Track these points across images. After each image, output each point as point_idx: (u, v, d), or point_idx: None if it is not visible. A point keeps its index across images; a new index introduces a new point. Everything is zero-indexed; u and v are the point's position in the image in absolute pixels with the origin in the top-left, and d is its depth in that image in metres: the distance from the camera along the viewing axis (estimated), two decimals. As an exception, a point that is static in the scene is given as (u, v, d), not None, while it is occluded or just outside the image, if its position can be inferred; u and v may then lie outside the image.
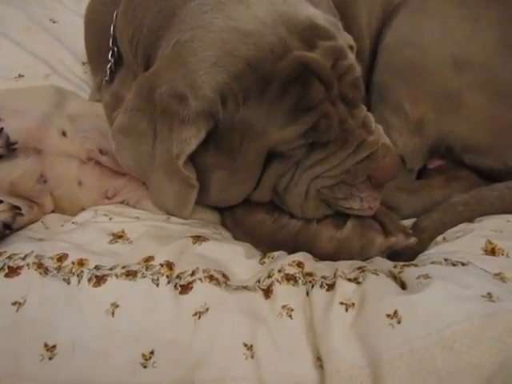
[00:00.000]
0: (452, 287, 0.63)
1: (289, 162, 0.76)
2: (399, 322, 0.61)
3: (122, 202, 0.86)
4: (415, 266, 0.71)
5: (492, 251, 0.78)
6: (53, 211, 0.85)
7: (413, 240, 0.81)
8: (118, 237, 0.75)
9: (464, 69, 0.89)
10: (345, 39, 0.79)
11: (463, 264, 0.72)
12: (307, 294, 0.69)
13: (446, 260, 0.73)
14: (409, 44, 0.91)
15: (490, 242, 0.79)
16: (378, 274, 0.70)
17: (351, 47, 0.83)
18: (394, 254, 0.81)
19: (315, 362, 0.62)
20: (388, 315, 0.62)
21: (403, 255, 0.81)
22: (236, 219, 0.83)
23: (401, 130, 0.93)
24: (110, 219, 0.79)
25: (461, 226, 0.86)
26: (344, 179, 0.77)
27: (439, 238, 0.85)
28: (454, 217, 0.87)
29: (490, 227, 0.83)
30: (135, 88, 0.76)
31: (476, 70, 0.89)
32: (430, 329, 0.59)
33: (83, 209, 0.84)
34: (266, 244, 0.81)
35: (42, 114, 0.84)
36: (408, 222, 0.91)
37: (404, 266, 0.72)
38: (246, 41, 0.70)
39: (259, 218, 0.82)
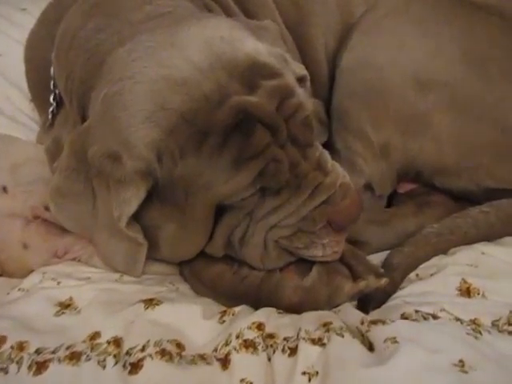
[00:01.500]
0: (421, 355, 0.59)
1: (241, 213, 0.71)
2: (365, 401, 0.56)
3: (73, 259, 0.80)
4: (383, 323, 0.66)
5: (467, 291, 0.74)
6: (0, 275, 0.80)
7: (384, 281, 0.77)
8: (66, 306, 0.70)
9: (428, 88, 0.83)
10: (293, 72, 0.73)
11: (434, 317, 0.67)
12: (269, 359, 0.64)
13: (416, 312, 0.68)
14: (366, 65, 0.85)
15: (465, 281, 0.75)
16: (343, 336, 0.65)
17: (303, 78, 0.77)
18: (364, 298, 0.77)
19: None
20: (350, 393, 0.57)
21: (375, 298, 0.76)
22: (194, 272, 0.78)
23: (365, 156, 0.87)
24: (59, 283, 0.74)
25: (434, 260, 0.81)
26: (302, 227, 0.71)
27: (412, 275, 0.81)
28: (427, 250, 0.82)
29: (465, 261, 0.79)
30: (68, 146, 0.70)
31: (440, 89, 0.83)
32: (395, 410, 0.55)
33: (32, 270, 0.78)
34: (226, 297, 0.76)
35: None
36: (380, 256, 0.86)
37: (372, 322, 0.67)
38: (179, 91, 0.64)
39: (218, 269, 0.76)
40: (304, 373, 0.61)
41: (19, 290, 0.74)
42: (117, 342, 0.63)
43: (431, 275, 0.78)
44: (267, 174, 0.66)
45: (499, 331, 0.66)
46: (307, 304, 0.74)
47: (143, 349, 0.63)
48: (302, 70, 0.79)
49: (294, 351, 0.64)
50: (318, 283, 0.75)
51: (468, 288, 0.74)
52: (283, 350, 0.65)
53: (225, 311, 0.72)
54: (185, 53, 0.66)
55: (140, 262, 0.74)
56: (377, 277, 0.77)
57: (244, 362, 0.63)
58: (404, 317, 0.69)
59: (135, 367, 0.61)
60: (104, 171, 0.68)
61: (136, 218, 0.72)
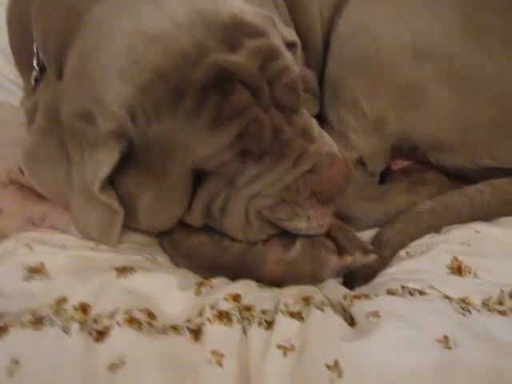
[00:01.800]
0: (403, 330, 0.56)
1: (221, 181, 0.67)
2: (340, 376, 0.53)
3: (51, 227, 0.77)
4: (367, 297, 0.63)
5: (458, 269, 0.70)
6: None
7: (372, 258, 0.73)
8: (35, 271, 0.66)
9: (425, 59, 0.79)
10: (281, 35, 0.69)
11: (421, 293, 0.63)
12: (244, 332, 0.61)
13: (403, 288, 0.65)
14: (362, 33, 0.81)
15: (456, 259, 0.71)
16: (323, 310, 0.62)
17: (293, 44, 0.74)
18: (350, 274, 0.73)
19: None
20: (328, 366, 0.54)
21: (361, 274, 0.73)
22: (174, 242, 0.75)
23: (358, 129, 0.83)
24: (31, 249, 0.70)
25: (426, 238, 0.78)
26: (285, 197, 0.68)
27: (402, 253, 0.77)
28: (420, 227, 0.78)
29: (458, 239, 0.75)
30: (42, 106, 0.67)
31: (438, 59, 0.79)
32: (373, 386, 0.51)
33: (6, 236, 0.75)
34: (206, 269, 0.72)
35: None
36: (370, 233, 0.82)
37: (355, 297, 0.64)
38: (155, 46, 0.60)
39: (198, 240, 0.73)
40: (279, 346, 0.58)
41: (-9, 255, 0.72)
42: (84, 308, 0.60)
43: (422, 253, 0.74)
44: (247, 137, 0.63)
45: (489, 310, 0.63)
46: (290, 278, 0.71)
47: (111, 316, 0.60)
48: (291, 35, 0.75)
49: (270, 324, 0.61)
50: (301, 257, 0.71)
51: (459, 266, 0.70)
52: (260, 323, 0.62)
53: (202, 282, 0.69)
54: (164, 9, 0.62)
55: (115, 230, 0.71)
56: (364, 253, 0.74)
57: (217, 334, 0.60)
58: (390, 292, 0.65)
59: (101, 335, 0.58)
60: (77, 132, 0.64)
61: (113, 184, 0.68)
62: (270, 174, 0.67)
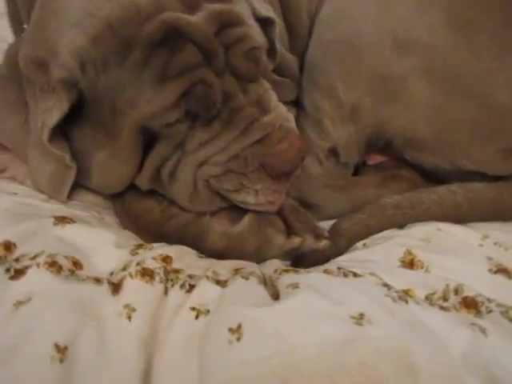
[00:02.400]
0: (318, 302, 0.52)
1: (171, 144, 0.66)
2: (239, 339, 0.50)
3: (11, 178, 0.77)
4: (295, 272, 0.60)
5: (410, 263, 0.66)
6: None
7: (323, 244, 0.70)
8: (-24, 211, 0.67)
9: (406, 50, 0.76)
10: (253, 8, 0.69)
11: (357, 275, 0.60)
12: (165, 292, 0.59)
13: (339, 269, 0.61)
14: (343, 18, 0.79)
15: (410, 253, 0.67)
16: (248, 279, 0.59)
17: (268, 20, 0.73)
18: (299, 258, 0.70)
19: (142, 376, 0.51)
20: (230, 329, 0.51)
21: (310, 259, 0.69)
22: (124, 205, 0.74)
23: (333, 116, 0.80)
24: (-19, 193, 0.71)
25: (387, 232, 0.73)
26: (232, 167, 0.66)
27: (359, 244, 0.73)
28: (381, 220, 0.74)
29: (418, 235, 0.71)
30: (4, 54, 0.68)
31: (420, 51, 0.75)
32: (270, 351, 0.48)
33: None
34: (151, 235, 0.71)
35: None
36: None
37: (284, 271, 0.61)
38: (111, 0, 0.60)
39: (147, 205, 0.72)
40: (193, 308, 0.56)
41: None
42: (8, 246, 0.60)
43: (377, 244, 0.70)
44: (193, 97, 0.61)
45: (431, 304, 0.58)
46: (232, 252, 0.68)
47: (34, 257, 0.59)
48: (267, 11, 0.74)
49: (192, 288, 0.59)
50: (246, 232, 0.69)
51: (412, 260, 0.66)
52: (182, 286, 0.60)
53: (141, 245, 0.68)
54: None
55: (66, 185, 0.70)
56: (316, 238, 0.71)
57: (135, 289, 0.58)
58: (325, 272, 0.62)
59: (18, 273, 0.57)
60: (32, 79, 0.65)
61: (68, 140, 0.69)
62: (217, 141, 0.65)
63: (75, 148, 0.69)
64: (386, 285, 0.60)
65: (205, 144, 0.66)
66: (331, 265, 0.67)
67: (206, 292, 0.57)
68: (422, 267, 0.65)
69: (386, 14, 0.76)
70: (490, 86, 0.76)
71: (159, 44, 0.60)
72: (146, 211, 0.72)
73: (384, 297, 0.55)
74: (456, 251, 0.66)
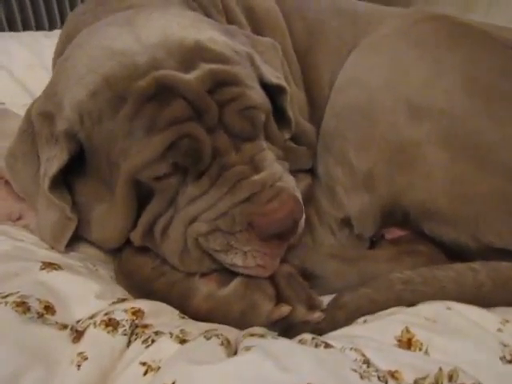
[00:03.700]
0: (263, 367, 0.46)
1: (165, 200, 0.66)
2: (167, 397, 0.45)
3: (24, 227, 0.81)
4: (261, 337, 0.54)
5: (408, 343, 0.58)
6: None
7: (317, 316, 0.64)
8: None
9: (421, 116, 0.72)
10: (261, 74, 0.71)
11: (328, 346, 0.53)
12: (128, 346, 0.56)
13: (313, 339, 0.55)
14: (356, 84, 0.77)
15: (408, 331, 0.58)
16: (209, 339, 0.54)
17: (279, 88, 0.75)
18: (288, 330, 0.64)
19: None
20: (164, 386, 0.46)
21: (300, 332, 0.63)
22: (121, 260, 0.73)
23: (346, 184, 0.76)
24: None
25: (392, 310, 0.65)
26: (220, 225, 0.63)
27: (360, 320, 0.65)
28: (388, 296, 0.66)
29: (425, 314, 0.62)
30: (26, 111, 0.74)
31: (436, 118, 0.71)
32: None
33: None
34: (140, 292, 0.69)
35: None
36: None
37: (251, 335, 0.55)
38: (113, 58, 0.64)
39: (140, 262, 0.71)
40: (144, 363, 0.52)
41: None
42: (-15, 283, 0.61)
43: (374, 321, 0.62)
44: (180, 149, 0.62)
45: (416, 390, 0.49)
46: (216, 315, 0.64)
47: (5, 296, 0.59)
48: (278, 79, 0.75)
49: (154, 343, 0.55)
50: (232, 295, 0.65)
51: (409, 339, 0.57)
52: (145, 340, 0.56)
53: (125, 299, 0.66)
54: (135, 31, 0.67)
55: (65, 236, 0.72)
56: (310, 309, 0.65)
57: (94, 338, 0.56)
58: (300, 342, 0.55)
59: (-17, 309, 0.57)
60: (39, 131, 0.70)
61: (72, 193, 0.72)
62: (206, 198, 0.64)
63: (78, 201, 0.72)
64: (366, 362, 0.52)
65: (195, 200, 0.65)
66: (306, 336, 0.60)
67: (163, 348, 0.54)
68: (420, 348, 0.56)
69: (400, 79, 0.74)
70: (512, 154, 0.69)
71: (150, 98, 0.62)
72: (138, 267, 0.71)
73: (349, 371, 0.48)
74: (463, 334, 0.57)
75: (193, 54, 0.65)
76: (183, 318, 0.64)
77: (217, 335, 0.55)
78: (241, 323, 0.63)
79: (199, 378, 0.45)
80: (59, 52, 0.81)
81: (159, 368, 0.51)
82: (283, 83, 0.76)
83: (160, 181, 0.65)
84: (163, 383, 0.46)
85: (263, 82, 0.73)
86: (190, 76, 0.63)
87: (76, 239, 0.75)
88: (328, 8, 0.95)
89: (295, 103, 0.84)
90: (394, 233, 0.78)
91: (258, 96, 0.67)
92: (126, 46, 0.65)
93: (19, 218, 0.80)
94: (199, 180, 0.64)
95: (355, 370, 0.48)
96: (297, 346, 0.52)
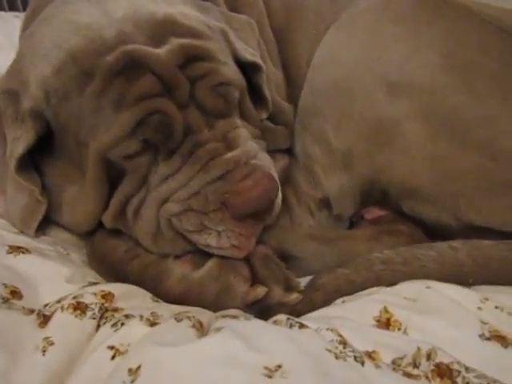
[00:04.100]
0: (232, 348, 0.45)
1: (136, 179, 0.64)
2: (133, 381, 0.43)
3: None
4: (233, 318, 0.52)
5: (386, 323, 0.56)
6: None
7: (294, 297, 0.62)
8: None
9: (400, 93, 0.70)
10: (234, 50, 0.69)
11: (303, 327, 0.51)
12: (96, 330, 0.53)
13: (288, 319, 0.53)
14: (333, 62, 0.74)
15: (387, 311, 0.57)
16: (180, 321, 0.52)
17: (255, 66, 0.72)
18: (264, 312, 0.62)
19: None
20: (130, 370, 0.44)
21: (276, 312, 0.61)
22: (93, 243, 0.71)
23: (324, 163, 0.74)
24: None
25: (372, 290, 0.64)
26: (192, 205, 0.61)
27: (338, 301, 0.64)
28: (367, 276, 0.65)
29: (405, 294, 0.61)
30: None
31: (415, 94, 0.69)
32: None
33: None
34: (112, 275, 0.67)
35: None
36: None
37: (222, 317, 0.53)
38: (79, 33, 0.61)
39: (112, 244, 0.69)
40: (112, 347, 0.50)
41: None
42: None
43: (352, 301, 0.61)
44: (149, 125, 0.59)
45: (394, 369, 0.48)
46: (190, 298, 0.63)
47: (-31, 282, 0.57)
48: (253, 57, 0.73)
49: (123, 326, 0.53)
50: (207, 277, 0.63)
51: (388, 319, 0.56)
52: (114, 324, 0.54)
53: (96, 283, 0.64)
54: (103, 4, 0.64)
55: (35, 220, 0.69)
56: (287, 290, 0.63)
57: (61, 322, 0.53)
58: (274, 323, 0.53)
59: None
60: (4, 110, 0.67)
61: (42, 175, 0.69)
62: (178, 177, 0.62)
63: (47, 183, 0.69)
64: (343, 343, 0.50)
65: (166, 179, 0.63)
66: (281, 316, 0.59)
67: (132, 332, 0.51)
68: (399, 328, 0.55)
69: (378, 55, 0.72)
70: (497, 132, 0.67)
71: (118, 74, 0.59)
72: (110, 250, 0.68)
73: (323, 351, 0.46)
74: (442, 312, 0.55)
75: (163, 29, 0.62)
76: (156, 301, 0.62)
77: (188, 317, 0.53)
78: (215, 305, 0.61)
79: (165, 360, 0.43)
80: (25, 28, 0.77)
81: (127, 352, 0.49)
82: (259, 61, 0.74)
83: (131, 159, 0.62)
84: (129, 367, 0.44)
85: (238, 58, 0.71)
86: (160, 51, 0.60)
87: (47, 223, 0.73)
88: None
89: (272, 82, 0.81)
90: (374, 213, 0.76)
91: (231, 72, 0.65)
92: (93, 19, 0.63)
93: (-12, 204, 0.77)
94: (171, 158, 0.62)
95: (330, 351, 0.47)
96: (269, 327, 0.50)
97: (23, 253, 0.64)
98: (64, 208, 0.69)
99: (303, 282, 0.68)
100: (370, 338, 0.52)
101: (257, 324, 0.50)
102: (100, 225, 0.69)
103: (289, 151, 0.82)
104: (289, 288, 0.63)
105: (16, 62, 0.68)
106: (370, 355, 0.50)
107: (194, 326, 0.51)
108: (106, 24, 0.62)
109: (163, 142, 0.61)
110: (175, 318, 0.52)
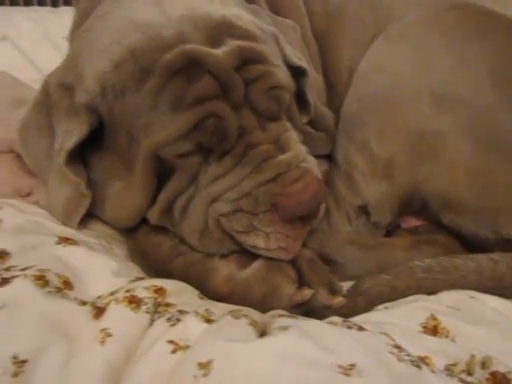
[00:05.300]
0: (303, 346, 0.45)
1: (186, 177, 0.64)
2: (206, 375, 0.43)
3: (34, 203, 0.78)
4: (292, 317, 0.53)
5: (433, 330, 0.57)
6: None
7: (338, 300, 0.63)
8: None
9: (445, 106, 0.71)
10: (284, 55, 0.70)
11: (362, 329, 0.52)
12: (150, 324, 0.54)
13: (344, 322, 0.54)
14: (380, 70, 0.76)
15: (434, 318, 0.58)
16: (238, 318, 0.53)
17: (299, 70, 0.73)
18: (309, 314, 0.63)
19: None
20: (200, 364, 0.45)
21: (321, 317, 0.62)
22: (136, 238, 0.71)
23: (365, 172, 0.76)
24: (1, 209, 0.71)
25: (413, 297, 0.65)
26: (242, 206, 0.62)
27: (380, 307, 0.65)
28: (409, 283, 0.66)
29: (447, 302, 0.62)
30: (42, 83, 0.72)
31: (460, 108, 0.71)
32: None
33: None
34: (156, 271, 0.67)
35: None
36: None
37: (280, 315, 0.54)
38: (138, 30, 0.62)
39: (157, 241, 0.69)
40: (171, 342, 0.50)
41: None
42: (2, 255, 0.59)
43: (397, 308, 0.62)
44: (205, 130, 0.60)
45: (448, 375, 0.49)
46: (237, 298, 0.63)
47: (24, 269, 0.57)
48: (300, 61, 0.74)
49: (178, 321, 0.54)
50: (254, 277, 0.64)
51: (435, 326, 0.57)
52: (169, 319, 0.55)
53: (143, 278, 0.64)
54: (160, 2, 0.65)
55: (79, 213, 0.70)
56: (331, 293, 0.64)
57: (117, 315, 0.54)
58: (330, 323, 0.54)
59: (4, 281, 0.55)
60: (58, 103, 0.67)
61: (88, 168, 0.70)
62: (229, 177, 0.63)
63: (93, 178, 0.70)
64: (397, 347, 0.51)
65: (217, 179, 0.63)
66: (336, 319, 0.60)
67: (190, 327, 0.52)
68: (446, 335, 0.56)
69: (425, 67, 0.73)
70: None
71: (177, 73, 0.60)
72: (154, 246, 0.69)
73: (387, 353, 0.47)
74: (488, 322, 0.57)
75: (220, 30, 0.63)
76: (202, 298, 0.63)
77: (244, 315, 0.54)
78: (261, 306, 0.62)
79: (238, 356, 0.43)
80: (78, 24, 0.77)
81: (187, 347, 0.49)
82: (305, 65, 0.75)
83: (182, 158, 0.63)
84: (198, 362, 0.44)
85: (286, 62, 0.72)
86: (218, 51, 0.61)
87: (87, 216, 0.73)
88: None
89: (314, 87, 0.82)
90: (410, 222, 0.78)
91: (283, 75, 0.66)
92: (152, 17, 0.64)
93: (28, 194, 0.77)
94: (223, 159, 0.63)
95: (392, 353, 0.47)
96: (332, 327, 0.51)
97: (72, 244, 0.64)
98: (108, 202, 0.70)
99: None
100: (421, 343, 0.53)
101: (320, 324, 0.51)
102: (141, 220, 0.70)
103: (328, 157, 0.83)
104: (333, 291, 0.64)
105: (71, 57, 0.68)
106: (424, 360, 0.51)
107: (251, 323, 0.52)
108: (165, 23, 0.63)
109: (217, 144, 0.62)
110: (232, 315, 0.53)
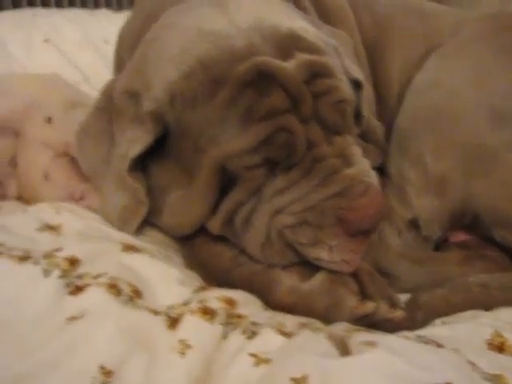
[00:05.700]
0: (396, 363, 0.46)
1: (249, 189, 0.64)
2: (301, 391, 0.44)
3: (87, 207, 0.77)
4: (369, 331, 0.54)
5: (499, 347, 0.57)
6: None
7: (398, 314, 0.63)
8: (51, 228, 0.67)
9: (503, 122, 0.72)
10: (344, 68, 0.69)
11: (440, 346, 0.53)
12: (224, 336, 0.54)
13: (419, 337, 0.54)
14: (437, 85, 0.77)
15: (499, 335, 0.58)
16: (316, 332, 0.53)
17: (356, 82, 0.73)
18: (372, 327, 0.63)
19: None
20: (293, 379, 0.45)
21: (383, 330, 0.62)
22: (193, 247, 0.71)
23: (417, 186, 0.76)
24: (58, 213, 0.71)
25: (470, 313, 0.65)
26: (308, 218, 0.62)
27: (438, 321, 0.65)
28: (465, 298, 0.67)
29: (506, 318, 0.62)
30: (103, 88, 0.71)
31: None
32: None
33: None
34: (216, 280, 0.67)
35: (30, 98, 0.81)
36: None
37: (356, 330, 0.55)
38: (208, 40, 0.62)
39: (217, 249, 0.69)
40: (253, 355, 0.50)
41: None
42: (73, 261, 0.59)
43: (457, 323, 0.63)
44: (275, 144, 0.60)
45: (526, 396, 0.50)
46: (300, 309, 0.63)
47: (96, 277, 0.57)
48: (357, 74, 0.74)
49: (255, 335, 0.54)
50: (317, 290, 0.64)
51: (502, 343, 0.57)
52: (244, 331, 0.55)
53: (205, 287, 0.64)
54: (227, 12, 0.65)
55: (136, 220, 0.70)
56: (391, 307, 0.64)
57: (193, 326, 0.54)
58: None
59: (78, 289, 0.55)
60: (122, 110, 0.67)
61: (147, 175, 0.69)
62: (295, 190, 0.63)
63: (151, 185, 0.70)
64: (471, 363, 0.52)
65: (282, 192, 0.63)
66: (408, 333, 0.60)
67: (269, 340, 0.52)
68: (512, 353, 0.57)
69: (484, 83, 0.74)
70: None
71: (248, 85, 0.60)
72: (215, 256, 0.69)
73: (471, 371, 0.48)
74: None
75: (288, 42, 0.63)
76: (266, 309, 0.63)
77: (319, 328, 0.54)
78: (324, 318, 0.62)
79: (334, 373, 0.44)
80: (138, 30, 0.77)
81: (269, 360, 0.50)
82: (362, 78, 0.75)
83: (248, 170, 0.63)
84: (291, 377, 0.45)
85: (345, 73, 0.72)
86: (288, 64, 0.61)
87: (142, 223, 0.72)
88: (396, 3, 0.94)
89: (366, 99, 0.83)
90: (459, 236, 0.79)
91: (347, 89, 0.67)
92: (220, 28, 0.64)
93: (81, 198, 0.77)
94: (289, 172, 0.63)
95: (474, 371, 0.48)
96: (418, 345, 0.51)
97: (136, 252, 0.64)
98: (166, 210, 0.69)
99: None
100: (493, 361, 0.54)
101: (403, 340, 0.52)
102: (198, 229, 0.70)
103: (378, 169, 0.83)
104: (392, 304, 0.64)
105: (137, 64, 0.68)
106: (499, 378, 0.52)
107: (329, 337, 0.52)
108: (235, 33, 0.63)
109: (285, 158, 0.62)
110: (310, 329, 0.53)
